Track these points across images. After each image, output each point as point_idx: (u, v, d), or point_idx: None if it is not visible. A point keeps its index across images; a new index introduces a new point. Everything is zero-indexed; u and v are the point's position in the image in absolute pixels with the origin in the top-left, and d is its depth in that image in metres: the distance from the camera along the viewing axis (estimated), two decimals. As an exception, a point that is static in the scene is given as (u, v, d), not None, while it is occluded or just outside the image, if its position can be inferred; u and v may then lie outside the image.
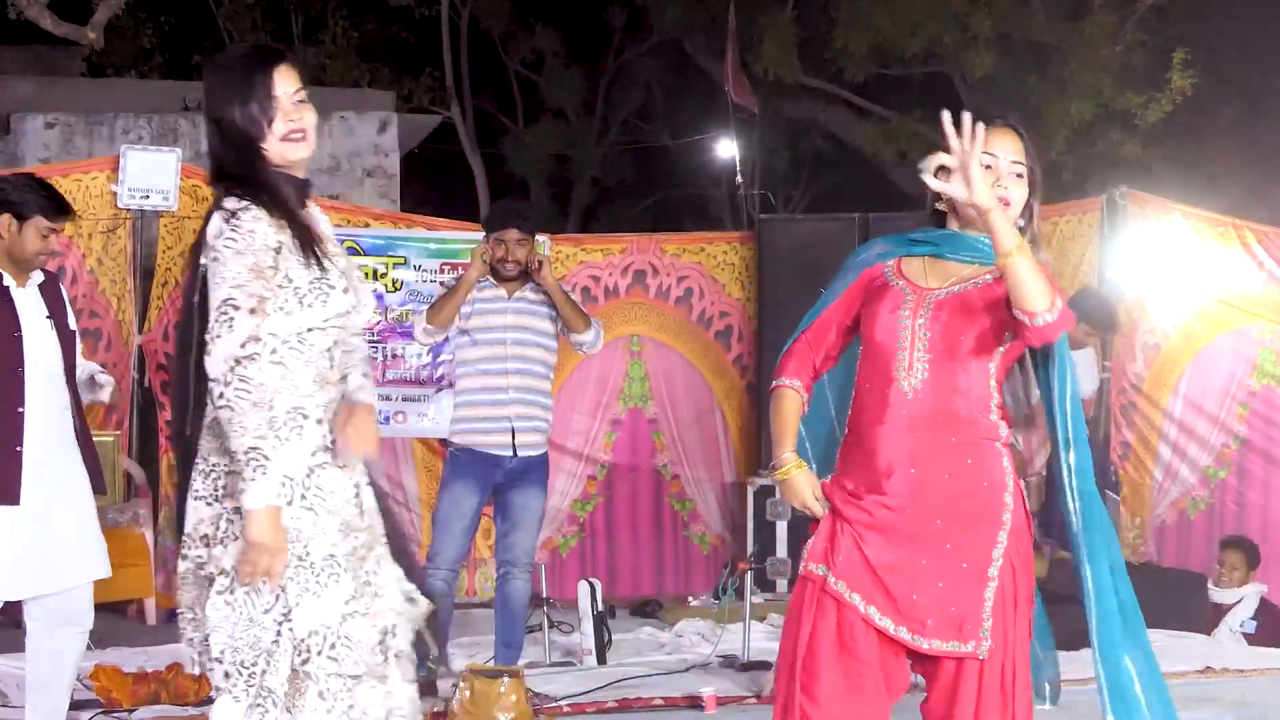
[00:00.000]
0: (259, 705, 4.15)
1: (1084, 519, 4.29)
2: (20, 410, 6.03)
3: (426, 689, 6.32)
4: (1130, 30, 16.71)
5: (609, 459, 11.68)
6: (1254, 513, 11.25)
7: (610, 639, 9.11)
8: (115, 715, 7.38)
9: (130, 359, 10.74)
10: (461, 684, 7.41)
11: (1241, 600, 9.96)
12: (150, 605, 10.28)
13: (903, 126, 19.21)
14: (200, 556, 4.17)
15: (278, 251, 4.18)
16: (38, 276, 6.30)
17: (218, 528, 4.16)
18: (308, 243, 4.26)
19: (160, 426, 10.88)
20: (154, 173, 10.70)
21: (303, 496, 4.18)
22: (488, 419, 8.07)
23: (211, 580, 4.14)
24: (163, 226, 10.91)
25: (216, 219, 4.18)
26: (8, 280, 6.15)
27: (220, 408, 4.04)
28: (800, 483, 4.33)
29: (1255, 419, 11.30)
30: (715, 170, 24.00)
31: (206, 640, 4.17)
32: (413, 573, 4.44)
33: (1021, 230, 4.22)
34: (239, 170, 4.28)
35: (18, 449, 5.99)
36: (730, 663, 8.66)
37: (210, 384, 4.06)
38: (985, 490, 4.24)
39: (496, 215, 8.45)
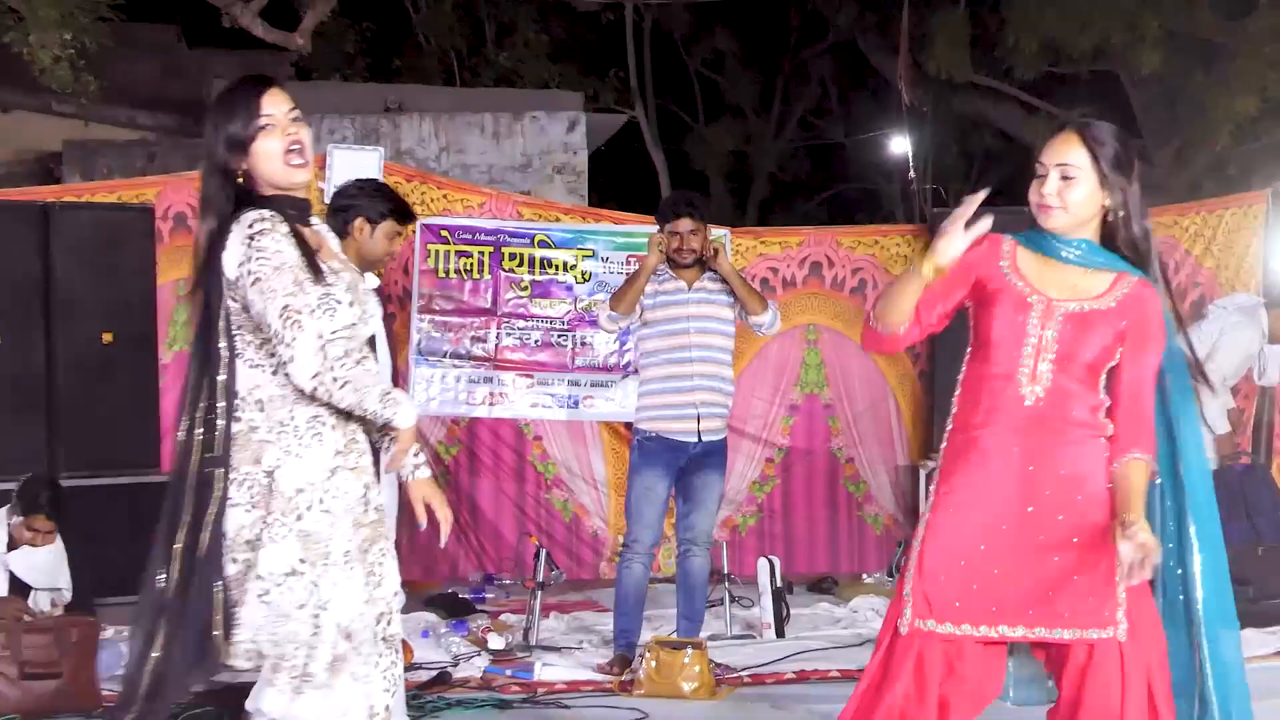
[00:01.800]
0: (299, 691, 4.29)
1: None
2: None
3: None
4: (1296, 27, 16.40)
5: (786, 442, 11.68)
6: None
7: (788, 614, 9.15)
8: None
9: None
10: (647, 655, 7.50)
11: None
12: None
13: (1070, 122, 18.99)
14: (249, 559, 4.24)
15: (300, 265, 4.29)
16: (373, 280, 6.49)
17: (257, 533, 4.24)
18: (312, 259, 4.32)
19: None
20: (357, 169, 10.82)
21: (321, 500, 4.28)
22: (674, 406, 8.13)
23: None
24: (366, 221, 11.05)
25: (236, 246, 4.26)
26: None
27: (338, 390, 4.18)
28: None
29: None
30: (888, 166, 23.89)
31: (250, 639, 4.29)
32: None
33: (1113, 225, 4.37)
34: (235, 199, 4.35)
35: None
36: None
37: (313, 383, 4.18)
38: (1095, 482, 4.26)
39: (669, 206, 8.49)
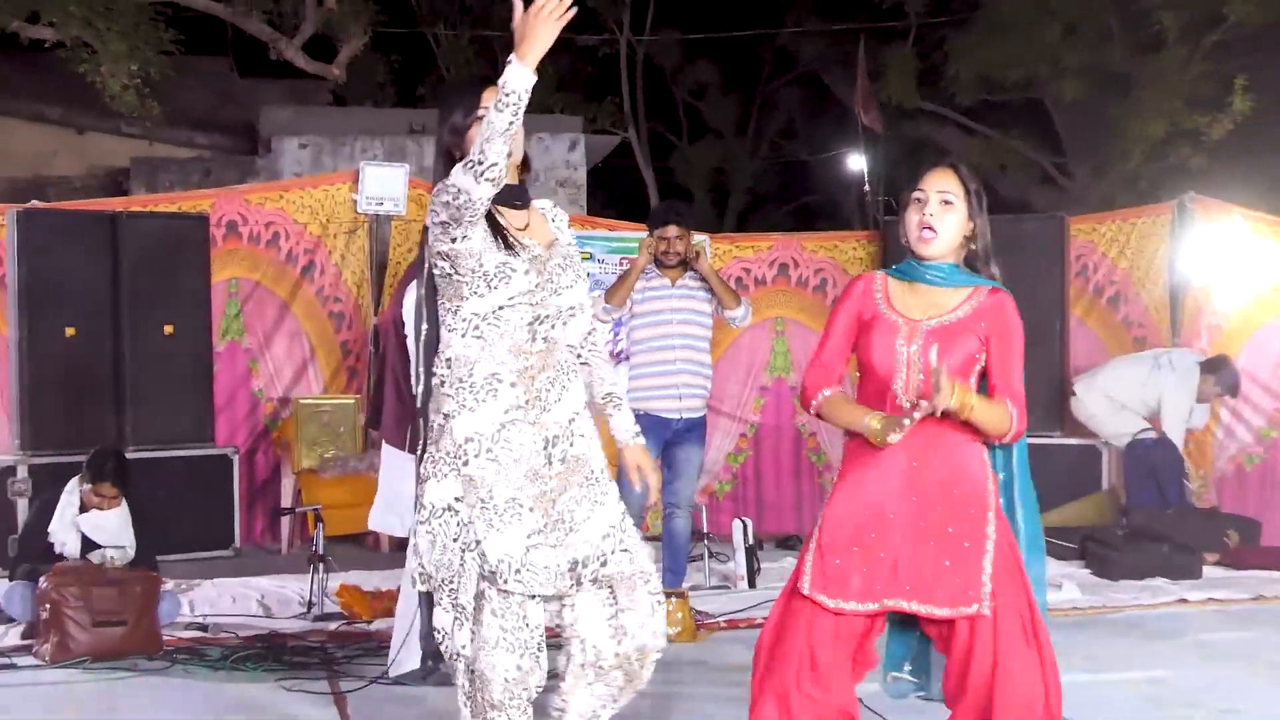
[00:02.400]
0: (459, 619, 4.23)
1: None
2: None
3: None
4: (1198, 61, 16.39)
5: (757, 420, 11.67)
6: (1301, 467, 11.07)
7: (759, 567, 9.10)
8: (355, 624, 7.49)
9: (367, 337, 10.88)
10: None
11: None
12: (384, 537, 10.40)
13: (1003, 144, 19.07)
14: (420, 494, 4.26)
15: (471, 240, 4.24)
16: None
17: (424, 469, 4.26)
18: (498, 233, 4.26)
19: (390, 391, 11.01)
20: (387, 184, 10.83)
21: (489, 450, 4.20)
22: (660, 387, 8.15)
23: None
24: (394, 229, 11.03)
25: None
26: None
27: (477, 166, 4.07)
28: (891, 421, 4.21)
29: (1303, 388, 11.12)
30: (846, 181, 23.83)
31: (418, 563, 4.28)
32: None
33: (970, 242, 4.36)
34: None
35: None
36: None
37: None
38: (971, 481, 4.25)
39: (658, 214, 8.60)
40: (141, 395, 9.69)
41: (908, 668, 4.54)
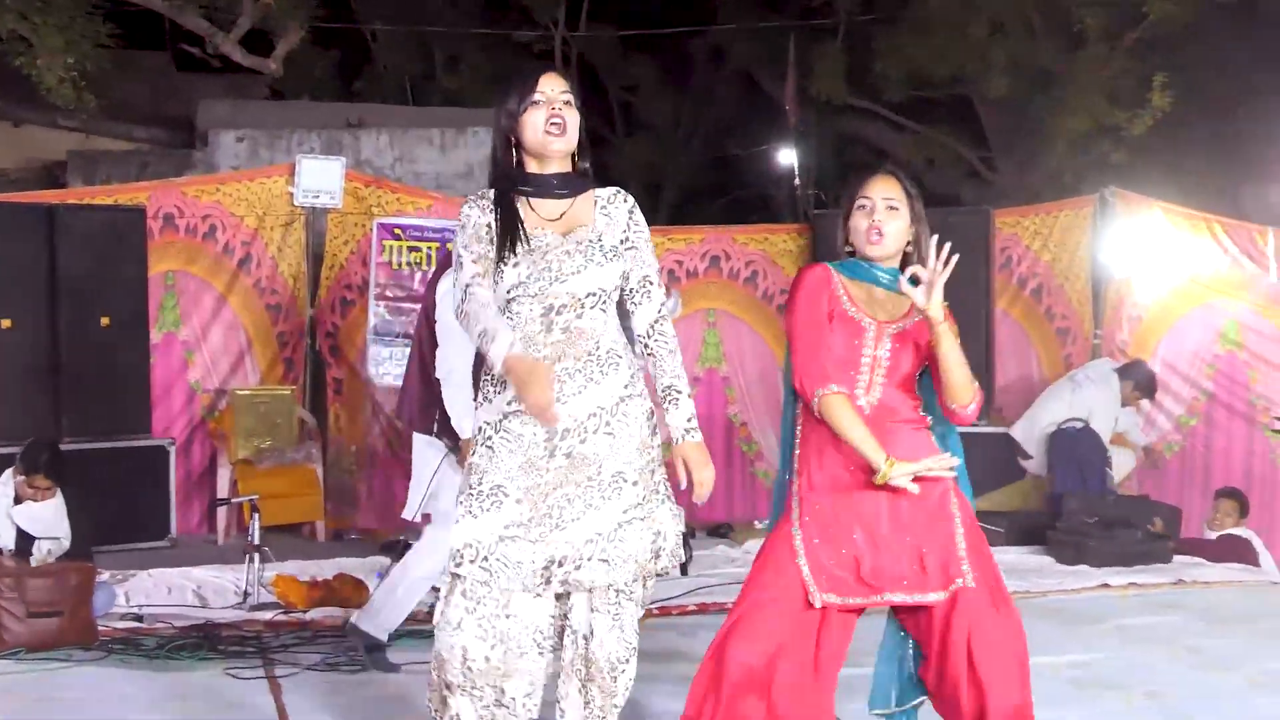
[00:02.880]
0: (440, 597, 4.26)
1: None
2: None
3: None
4: (1119, 58, 16.50)
5: (690, 409, 11.65)
6: (1218, 454, 11.16)
7: (691, 555, 9.09)
8: (292, 614, 7.44)
9: (304, 328, 10.81)
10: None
11: None
12: (320, 526, 10.35)
13: (931, 138, 19.15)
14: None
15: (487, 229, 4.23)
16: None
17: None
18: (507, 227, 4.20)
19: (327, 381, 10.94)
20: (323, 177, 10.77)
21: (489, 439, 4.18)
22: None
23: None
24: (330, 221, 10.96)
25: None
26: None
27: (464, 322, 4.14)
28: (903, 469, 4.17)
29: (1220, 377, 11.20)
30: (777, 175, 23.85)
31: None
32: None
33: (913, 247, 4.37)
34: (493, 164, 4.34)
35: None
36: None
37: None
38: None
39: None
40: (78, 387, 9.58)
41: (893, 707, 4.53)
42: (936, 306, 4.17)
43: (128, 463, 9.64)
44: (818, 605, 4.21)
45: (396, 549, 9.25)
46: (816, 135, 20.30)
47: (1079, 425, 10.28)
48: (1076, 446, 10.26)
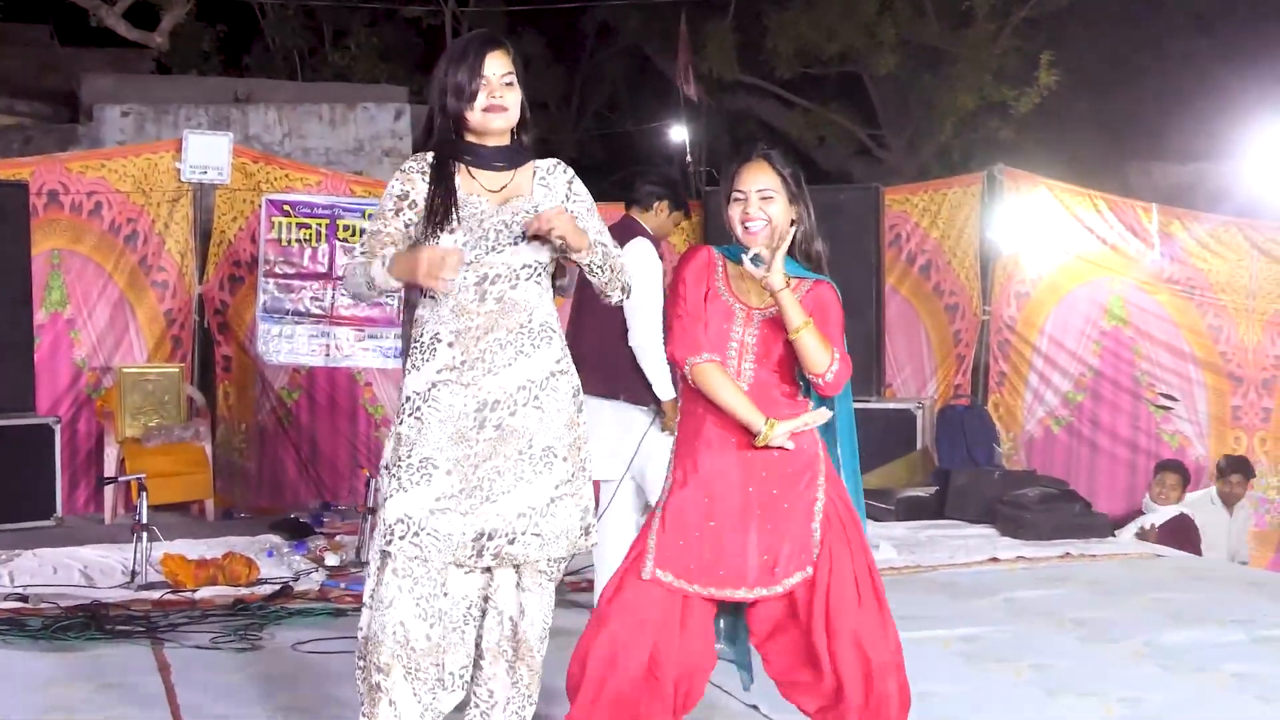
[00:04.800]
0: (369, 575, 4.22)
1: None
2: None
3: None
4: (1007, 37, 16.72)
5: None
6: (1104, 429, 11.30)
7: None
8: (181, 593, 7.37)
9: (192, 305, 10.69)
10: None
11: (1168, 516, 9.99)
12: (209, 505, 10.23)
13: (821, 116, 19.27)
14: None
15: (404, 198, 4.26)
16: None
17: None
18: (438, 197, 4.21)
19: (216, 359, 10.84)
20: (210, 153, 10.64)
21: (419, 409, 4.16)
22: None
23: None
24: (218, 197, 10.83)
25: None
26: None
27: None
28: (784, 428, 4.24)
29: (1105, 353, 11.34)
30: (669, 151, 23.88)
31: None
32: None
33: (795, 239, 4.33)
34: (431, 135, 4.33)
35: None
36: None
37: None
38: (800, 452, 4.28)
39: None
40: (-39, 365, 9.42)
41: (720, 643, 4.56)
42: (777, 275, 4.16)
43: (11, 441, 9.47)
44: (646, 578, 4.22)
45: (286, 527, 9.22)
46: (708, 112, 20.34)
47: (964, 403, 10.41)
48: (963, 422, 10.39)
